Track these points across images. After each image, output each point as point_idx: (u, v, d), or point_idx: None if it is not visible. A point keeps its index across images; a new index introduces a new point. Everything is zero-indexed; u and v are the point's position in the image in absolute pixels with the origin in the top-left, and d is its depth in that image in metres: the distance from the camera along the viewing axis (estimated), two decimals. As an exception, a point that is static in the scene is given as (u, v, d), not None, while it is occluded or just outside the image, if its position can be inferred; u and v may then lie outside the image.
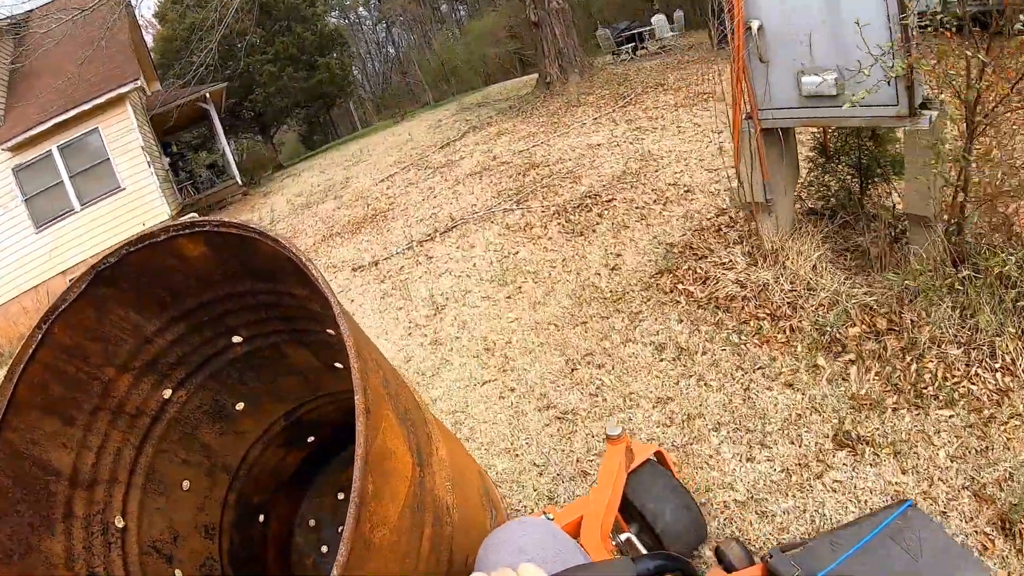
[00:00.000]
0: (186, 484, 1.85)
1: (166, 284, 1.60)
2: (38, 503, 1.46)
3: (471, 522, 1.70)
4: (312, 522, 2.29)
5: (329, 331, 1.70)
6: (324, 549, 2.25)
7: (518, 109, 13.56)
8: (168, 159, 18.11)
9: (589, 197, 6.83)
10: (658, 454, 2.29)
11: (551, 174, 8.12)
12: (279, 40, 25.76)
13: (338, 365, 1.94)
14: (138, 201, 14.27)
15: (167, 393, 1.78)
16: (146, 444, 1.74)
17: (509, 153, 9.98)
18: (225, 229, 1.41)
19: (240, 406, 1.99)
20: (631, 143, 8.43)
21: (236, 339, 1.84)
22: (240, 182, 18.21)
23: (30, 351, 1.42)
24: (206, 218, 1.45)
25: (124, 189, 14.26)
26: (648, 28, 19.15)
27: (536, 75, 15.78)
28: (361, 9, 49.61)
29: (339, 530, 2.20)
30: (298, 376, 2.03)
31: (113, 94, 13.84)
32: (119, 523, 1.62)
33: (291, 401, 2.12)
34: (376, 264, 7.23)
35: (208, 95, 17.97)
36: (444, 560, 1.44)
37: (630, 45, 18.13)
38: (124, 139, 14.17)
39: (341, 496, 2.31)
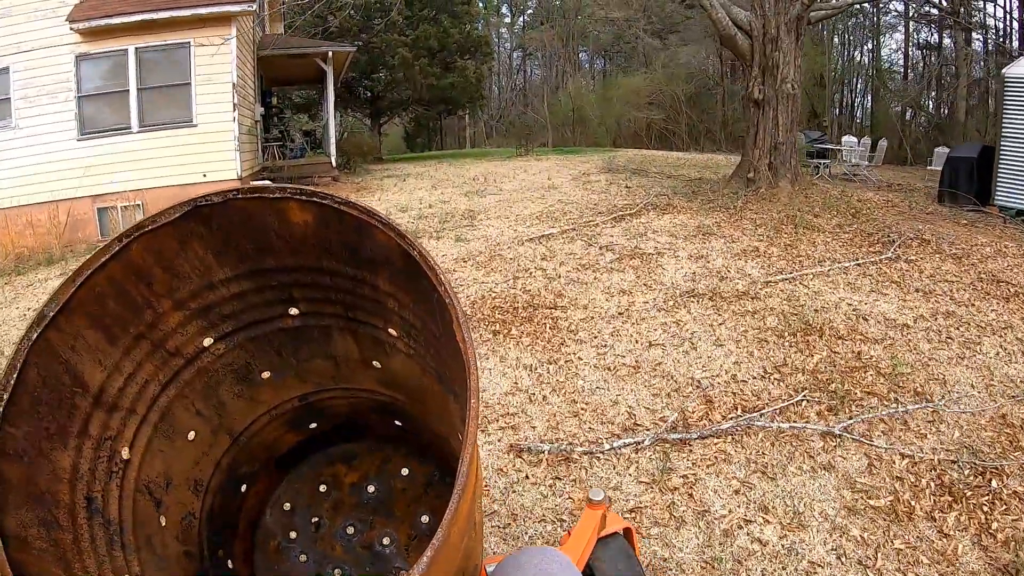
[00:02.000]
0: (192, 435, 1.82)
1: (255, 239, 1.57)
2: (60, 411, 1.43)
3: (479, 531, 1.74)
4: (287, 506, 2.20)
5: (391, 331, 1.71)
6: (292, 535, 2.16)
7: (710, 200, 10.30)
8: (262, 110, 15.30)
9: (977, 469, 3.60)
10: (627, 531, 2.25)
11: (854, 361, 5.04)
12: (423, 27, 23.11)
13: (376, 364, 1.91)
14: (207, 146, 11.39)
15: (207, 342, 1.75)
16: (171, 385, 1.72)
17: (742, 278, 6.78)
18: (347, 210, 1.41)
19: (266, 375, 1.94)
20: (968, 342, 5.18)
21: (293, 311, 1.80)
22: (334, 163, 15.31)
23: (102, 260, 1.41)
24: (329, 192, 1.44)
25: (196, 126, 11.41)
26: (835, 147, 16.26)
27: (687, 150, 12.57)
28: (504, 30, 48.02)
29: (312, 520, 2.17)
30: (331, 362, 1.97)
31: (219, 9, 11.13)
32: (125, 454, 1.60)
33: (312, 384, 2.05)
34: (567, 460, 3.97)
35: (331, 55, 15.19)
36: (470, 570, 1.53)
37: (822, 161, 15.11)
38: (216, 67, 11.33)
39: (323, 489, 2.22)
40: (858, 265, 7.18)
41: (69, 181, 11.25)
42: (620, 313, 5.85)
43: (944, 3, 22.51)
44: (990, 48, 24.20)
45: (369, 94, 25.67)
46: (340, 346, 1.93)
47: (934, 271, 7.20)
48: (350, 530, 2.19)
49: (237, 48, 11.59)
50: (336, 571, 2.15)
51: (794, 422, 4.14)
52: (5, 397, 1.33)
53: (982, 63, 23.28)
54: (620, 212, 9.32)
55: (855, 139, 16.31)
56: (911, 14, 28.22)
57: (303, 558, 2.16)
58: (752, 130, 11.08)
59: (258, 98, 15.21)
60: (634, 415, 4.34)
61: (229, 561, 2.02)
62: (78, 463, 1.49)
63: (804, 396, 4.40)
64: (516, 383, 4.83)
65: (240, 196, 1.46)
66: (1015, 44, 24.00)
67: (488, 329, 5.67)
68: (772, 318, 5.67)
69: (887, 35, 30.79)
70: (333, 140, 15.81)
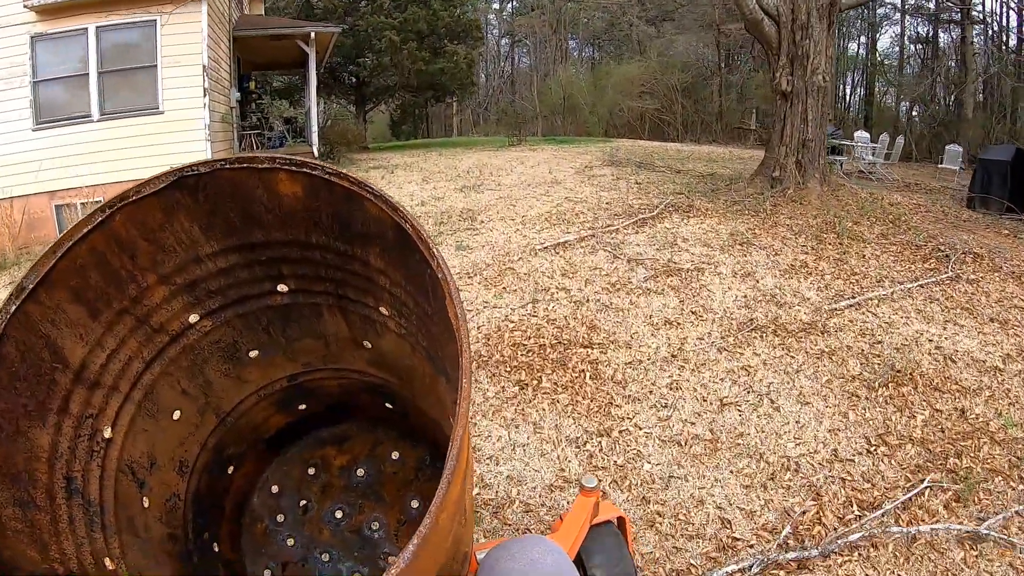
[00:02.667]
0: (177, 414, 1.79)
1: (243, 211, 1.54)
2: (39, 387, 1.41)
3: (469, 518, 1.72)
4: (275, 488, 2.16)
5: (382, 310, 1.69)
6: (280, 518, 2.13)
7: (735, 201, 9.33)
8: (239, 95, 14.13)
9: None
10: (620, 519, 2.25)
11: (961, 423, 4.19)
12: (412, 9, 21.86)
13: (367, 344, 1.88)
14: (175, 135, 10.27)
15: (193, 318, 1.72)
16: (155, 362, 1.69)
17: (801, 303, 5.89)
18: (338, 181, 1.39)
19: (254, 354, 1.90)
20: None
21: (281, 287, 1.77)
22: (316, 153, 14.21)
23: (84, 230, 1.39)
24: (319, 162, 1.43)
25: (163, 113, 10.30)
26: (848, 143, 15.40)
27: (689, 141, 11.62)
28: (492, 17, 46.89)
29: (300, 503, 2.14)
30: (320, 341, 1.94)
31: (190, -16, 9.94)
32: (107, 433, 1.57)
33: (301, 364, 2.01)
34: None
35: (314, 36, 14.04)
36: (459, 557, 1.50)
37: (837, 158, 14.24)
38: (185, 48, 10.22)
39: (312, 472, 2.18)
40: (920, 287, 6.27)
41: (24, 176, 10.13)
42: (673, 355, 4.87)
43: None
44: (992, 43, 23.40)
45: (354, 80, 24.39)
46: (330, 325, 1.89)
47: (1001, 295, 6.39)
48: (339, 514, 2.12)
49: (209, 27, 10.46)
50: (324, 555, 2.08)
51: (926, 522, 3.17)
52: None
53: (989, 58, 22.47)
54: (639, 214, 8.31)
55: (867, 135, 15.42)
56: (906, 7, 27.45)
57: (290, 541, 2.08)
58: (779, 125, 10.12)
59: (234, 83, 14.05)
60: (728, 522, 3.34)
61: (215, 544, 1.96)
62: (57, 441, 1.46)
63: (928, 483, 3.44)
64: (561, 468, 3.78)
65: (227, 166, 1.43)
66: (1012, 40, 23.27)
67: (512, 378, 4.61)
68: (853, 361, 4.74)
69: (883, 28, 29.95)
70: (315, 128, 14.70)
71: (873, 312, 5.75)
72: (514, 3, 46.34)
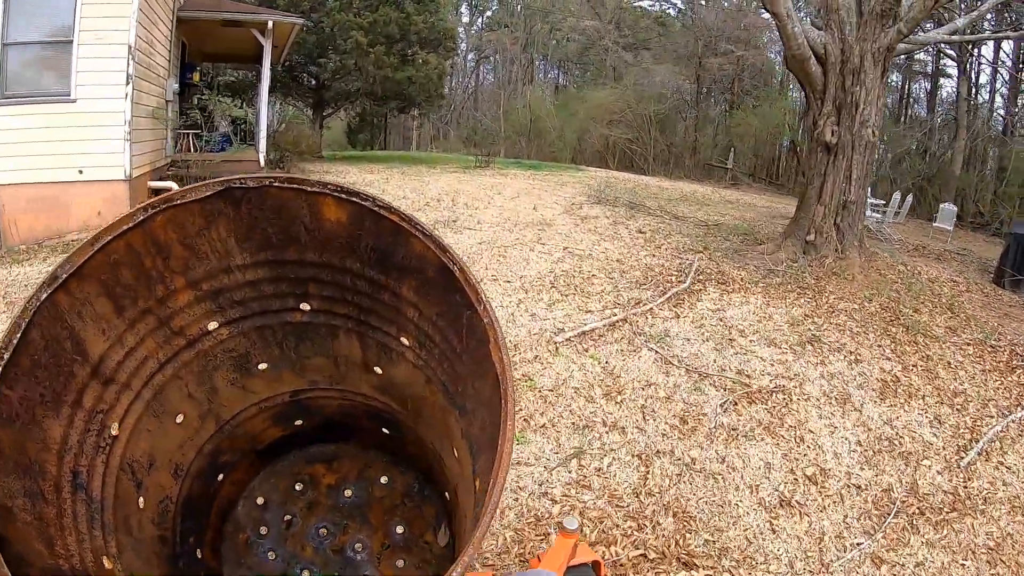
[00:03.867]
0: (180, 417, 1.77)
1: (282, 230, 1.55)
2: (57, 378, 1.39)
3: None
4: (260, 500, 2.11)
5: (403, 340, 1.69)
6: (263, 530, 2.07)
7: (770, 269, 7.83)
8: (177, 87, 12.06)
9: None
10: (596, 564, 2.14)
11: None
12: (383, 10, 19.87)
13: (377, 370, 1.86)
14: (86, 130, 8.26)
15: (212, 325, 1.71)
16: (169, 364, 1.68)
17: (928, 453, 4.49)
18: (387, 215, 1.40)
19: (263, 366, 1.89)
20: None
21: (304, 306, 1.76)
22: (263, 161, 12.24)
23: (124, 228, 1.38)
24: (369, 192, 1.43)
25: (74, 102, 8.24)
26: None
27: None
28: (460, 30, 45.36)
29: (284, 517, 2.09)
30: (330, 362, 1.92)
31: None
32: (114, 430, 1.55)
33: (307, 381, 1.98)
34: None
35: (271, 26, 12.11)
36: None
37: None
38: (110, 22, 8.16)
39: (300, 487, 2.13)
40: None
41: None
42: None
43: (951, 49, 20.88)
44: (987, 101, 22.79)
45: (314, 81, 22.13)
46: (344, 347, 1.87)
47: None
48: (322, 532, 2.06)
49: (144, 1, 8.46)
50: (304, 572, 2.00)
51: None
52: (6, 356, 1.29)
53: (985, 113, 21.80)
54: (665, 282, 6.73)
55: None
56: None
57: (271, 555, 2.02)
58: (817, 180, 8.65)
59: (174, 73, 11.99)
60: None
61: (198, 550, 1.92)
62: (68, 434, 1.44)
63: None
64: None
65: (276, 184, 1.44)
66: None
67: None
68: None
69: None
70: (264, 132, 12.71)
71: (1007, 466, 4.29)
72: (484, 17, 44.88)
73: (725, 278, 7.15)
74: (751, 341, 5.53)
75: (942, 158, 21.22)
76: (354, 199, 1.41)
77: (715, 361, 5.04)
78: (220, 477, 2.01)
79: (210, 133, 12.69)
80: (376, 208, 1.40)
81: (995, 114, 21.79)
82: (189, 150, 12.25)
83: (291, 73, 21.89)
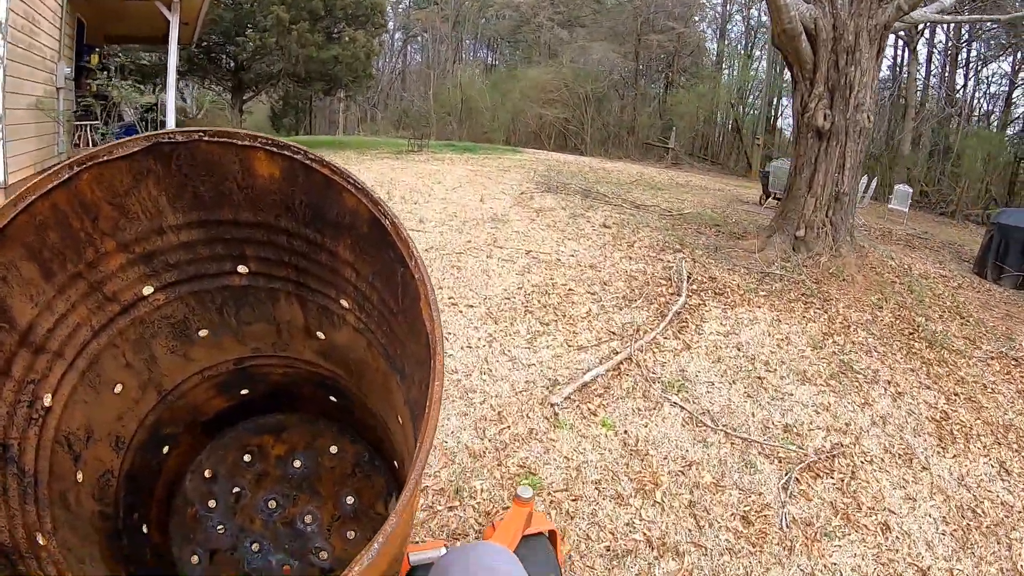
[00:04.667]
0: (118, 388, 1.70)
1: (215, 187, 1.48)
2: None
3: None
4: (208, 473, 2.04)
5: (343, 302, 1.64)
6: (211, 504, 2.01)
7: (765, 273, 6.96)
8: (69, 71, 10.40)
9: None
10: (552, 533, 2.16)
11: None
12: (305, -18, 18.23)
13: (320, 335, 1.81)
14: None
15: (148, 290, 1.65)
16: (103, 332, 1.60)
17: (1004, 514, 3.70)
18: (319, 168, 1.35)
19: (203, 333, 1.82)
20: None
21: (242, 269, 1.70)
22: (172, 154, 10.63)
23: (48, 186, 1.30)
24: (301, 146, 1.37)
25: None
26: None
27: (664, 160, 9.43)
28: (388, 8, 43.57)
29: (233, 490, 2.03)
30: (272, 328, 1.85)
31: None
32: (47, 401, 1.48)
33: (250, 348, 1.92)
34: None
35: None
36: (400, 558, 1.51)
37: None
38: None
39: (248, 459, 2.07)
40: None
41: None
42: None
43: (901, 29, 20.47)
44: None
45: (232, 63, 20.26)
46: (285, 312, 1.83)
47: None
48: (272, 504, 2.00)
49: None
50: (254, 545, 1.95)
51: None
52: None
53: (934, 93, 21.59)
54: (656, 296, 5.72)
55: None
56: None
57: (220, 529, 1.97)
58: (807, 169, 7.76)
59: (66, 55, 10.33)
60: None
61: (144, 526, 1.87)
62: None
63: None
64: None
65: (206, 138, 1.39)
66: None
67: None
68: None
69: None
70: (172, 121, 11.16)
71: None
72: (413, -6, 43.20)
73: (720, 286, 6.19)
74: (782, 378, 4.56)
75: (892, 139, 20.86)
76: (286, 152, 1.35)
77: (753, 414, 4.04)
78: (165, 450, 1.96)
79: (110, 125, 11.03)
80: (308, 161, 1.35)
81: (931, 92, 21.60)
82: (89, 145, 10.60)
83: (208, 54, 19.96)
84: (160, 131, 1.36)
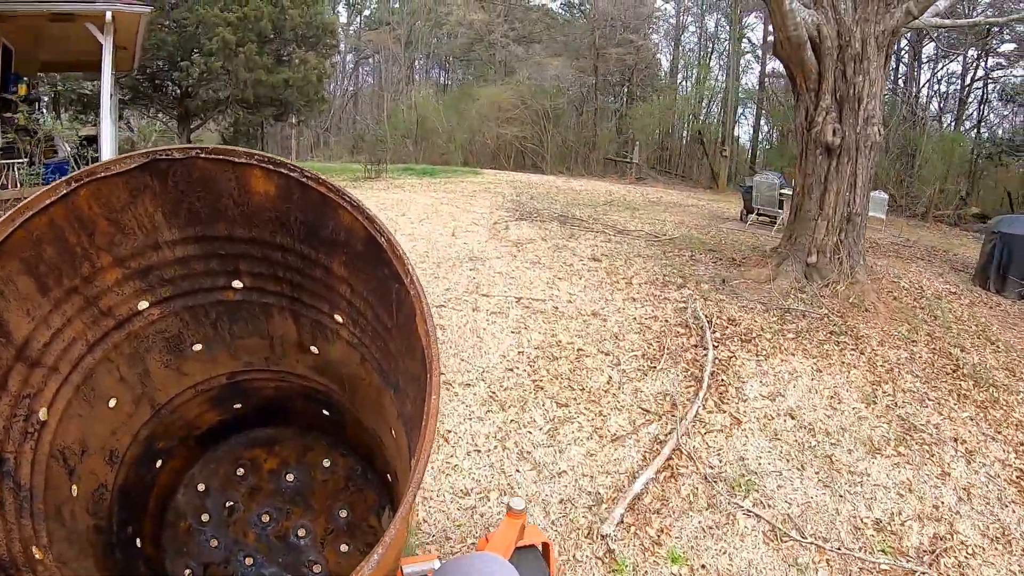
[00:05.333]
0: (113, 402, 1.71)
1: (211, 204, 1.49)
2: None
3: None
4: (201, 487, 2.05)
5: (337, 317, 1.66)
6: (204, 518, 2.01)
7: (785, 309, 6.35)
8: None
9: None
10: (545, 545, 2.14)
11: None
12: (253, 3, 17.15)
13: (313, 349, 1.83)
14: None
15: (143, 305, 1.66)
16: (98, 346, 1.62)
17: None
18: (315, 185, 1.37)
19: (197, 348, 1.83)
20: None
21: (236, 284, 1.71)
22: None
23: (46, 202, 1.32)
24: (296, 163, 1.41)
25: None
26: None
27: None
28: (339, 30, 42.69)
29: (226, 504, 2.02)
30: (266, 342, 1.87)
31: None
32: (42, 415, 1.49)
33: (243, 363, 1.93)
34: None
35: (111, 18, 9.58)
36: (394, 569, 1.53)
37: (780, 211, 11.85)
38: None
39: (241, 472, 2.07)
40: None
41: None
42: None
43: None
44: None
45: (178, 89, 19.14)
46: (279, 326, 1.84)
47: None
48: (265, 518, 2.01)
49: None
50: (247, 559, 1.96)
51: None
52: None
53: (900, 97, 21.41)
54: (677, 351, 5.03)
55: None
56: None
57: (213, 543, 1.97)
58: (817, 190, 7.13)
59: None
60: None
61: (137, 540, 1.87)
62: None
63: None
64: None
65: (203, 155, 1.41)
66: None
67: None
68: None
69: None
70: (108, 153, 10.15)
71: None
72: (363, 17, 42.30)
73: (744, 330, 5.49)
74: (850, 452, 3.86)
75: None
76: (282, 170, 1.37)
77: (837, 511, 3.30)
78: (158, 464, 1.94)
79: (36, 164, 9.95)
80: (304, 179, 1.36)
81: (895, 96, 21.46)
82: (17, 185, 9.52)
83: (152, 81, 18.79)
84: (158, 148, 1.35)
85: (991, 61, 21.87)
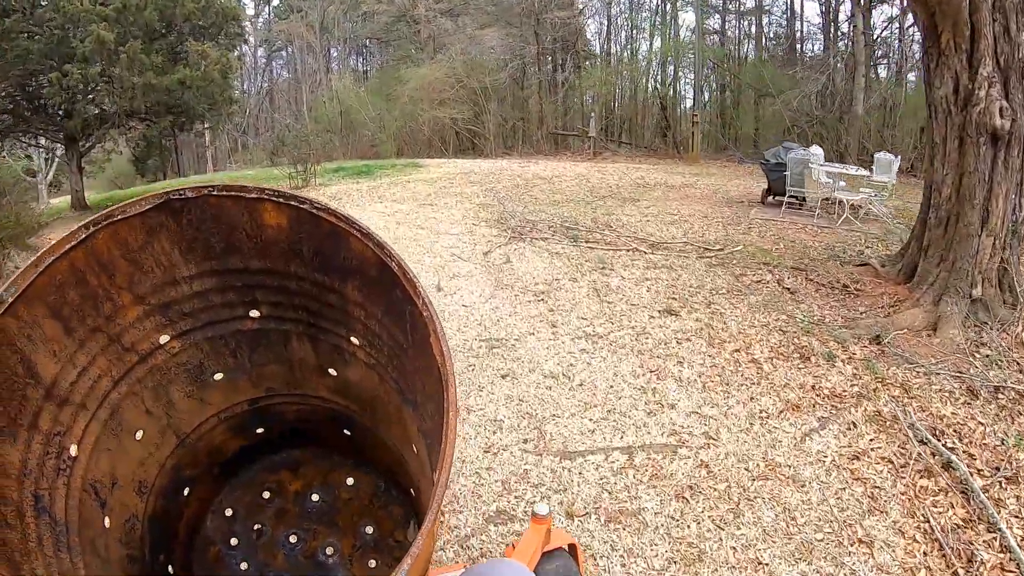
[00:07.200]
0: (139, 434, 1.76)
1: (225, 238, 1.55)
2: (11, 403, 1.39)
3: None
4: (229, 512, 2.11)
5: (353, 339, 1.69)
6: (233, 542, 2.07)
7: (980, 379, 4.06)
8: None
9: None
10: (572, 546, 2.09)
11: None
12: (133, -10, 13.95)
13: (332, 372, 1.88)
14: None
15: (164, 339, 1.72)
16: (123, 381, 1.67)
17: None
18: (324, 215, 1.41)
19: (218, 377, 1.90)
20: None
21: (254, 313, 1.77)
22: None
23: (67, 247, 1.38)
24: (305, 195, 1.44)
25: None
26: (860, 173, 10.50)
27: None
28: (246, 24, 39.08)
29: (254, 527, 2.08)
30: (285, 367, 1.94)
31: None
32: (73, 451, 1.54)
33: (264, 389, 2.01)
34: None
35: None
36: None
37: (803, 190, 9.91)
38: None
39: (267, 496, 2.14)
40: None
41: None
42: None
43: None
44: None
45: (59, 108, 15.66)
46: (297, 351, 1.86)
47: None
48: (293, 539, 2.05)
49: None
50: None
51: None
52: None
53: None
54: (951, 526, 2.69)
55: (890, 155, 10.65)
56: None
57: (244, 566, 2.01)
58: (980, 192, 4.88)
59: None
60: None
61: (170, 567, 1.89)
62: (27, 458, 1.42)
63: None
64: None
65: (215, 193, 1.43)
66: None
67: None
68: None
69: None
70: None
71: None
72: (272, 5, 38.83)
73: (974, 450, 3.24)
74: None
75: (843, 100, 18.53)
76: (292, 203, 1.41)
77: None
78: (186, 492, 1.95)
79: None
80: (314, 211, 1.40)
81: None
82: None
83: (31, 98, 15.37)
84: (171, 189, 1.41)
85: None
